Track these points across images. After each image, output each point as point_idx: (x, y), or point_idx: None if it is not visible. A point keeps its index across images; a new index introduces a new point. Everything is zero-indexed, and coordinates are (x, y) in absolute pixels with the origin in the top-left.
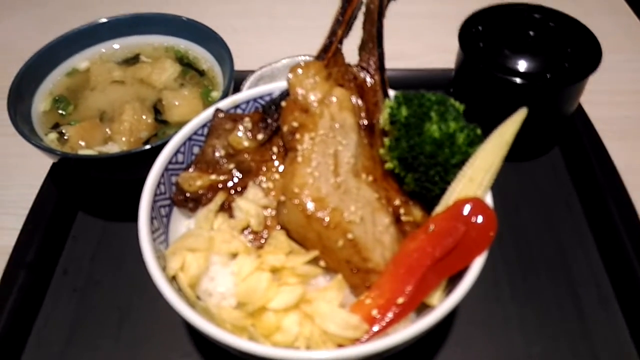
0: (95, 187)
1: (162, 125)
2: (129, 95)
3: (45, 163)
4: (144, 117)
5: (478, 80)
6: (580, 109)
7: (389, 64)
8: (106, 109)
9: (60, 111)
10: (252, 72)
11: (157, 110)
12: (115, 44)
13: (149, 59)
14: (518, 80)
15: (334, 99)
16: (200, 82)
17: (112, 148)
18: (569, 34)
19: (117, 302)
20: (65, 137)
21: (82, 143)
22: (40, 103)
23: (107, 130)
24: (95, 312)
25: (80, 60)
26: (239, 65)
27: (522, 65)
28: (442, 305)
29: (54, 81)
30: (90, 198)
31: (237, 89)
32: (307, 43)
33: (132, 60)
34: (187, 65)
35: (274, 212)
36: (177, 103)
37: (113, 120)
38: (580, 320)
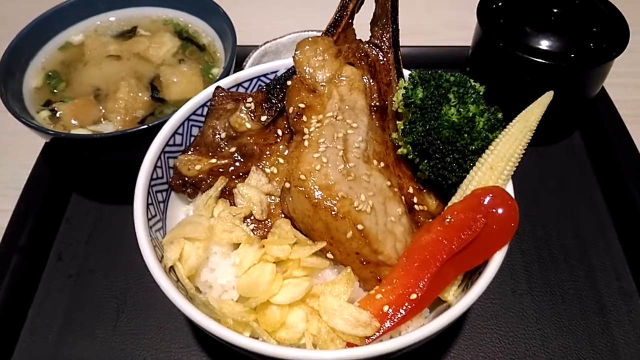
0: (89, 168)
1: (159, 103)
2: (125, 71)
3: (38, 142)
4: (140, 94)
5: (497, 59)
6: (602, 91)
7: (403, 40)
8: (101, 86)
9: (52, 88)
10: (255, 47)
11: (154, 87)
12: (112, 16)
13: (147, 32)
14: (540, 59)
15: (343, 78)
16: (200, 58)
17: (107, 127)
18: (595, 13)
19: (114, 289)
20: (58, 115)
21: (75, 122)
22: (32, 79)
23: (101, 108)
24: (92, 300)
25: (75, 34)
26: (241, 40)
27: (544, 44)
28: (459, 302)
29: (47, 56)
30: (85, 179)
31: (239, 65)
32: (315, 17)
33: (129, 33)
34: (186, 39)
35: (278, 200)
36: (175, 80)
37: (108, 98)
38: (600, 314)
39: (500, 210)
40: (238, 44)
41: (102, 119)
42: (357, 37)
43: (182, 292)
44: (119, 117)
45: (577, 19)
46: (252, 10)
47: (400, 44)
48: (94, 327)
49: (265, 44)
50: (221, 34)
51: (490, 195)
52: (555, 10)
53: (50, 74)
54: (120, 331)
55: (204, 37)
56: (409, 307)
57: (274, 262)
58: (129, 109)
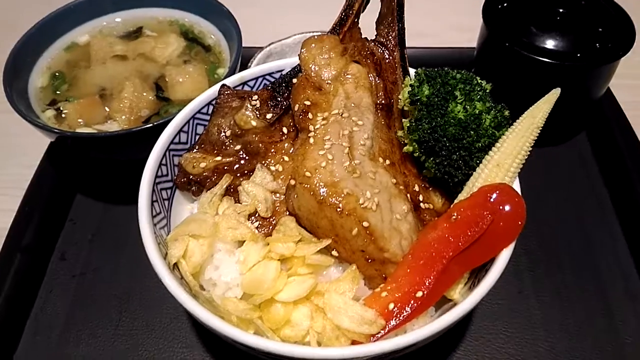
0: (94, 169)
1: (164, 103)
2: (130, 71)
3: (43, 142)
4: (145, 94)
5: (503, 59)
6: (608, 92)
7: (408, 42)
8: (106, 86)
9: (58, 88)
10: (260, 49)
11: (159, 87)
12: (117, 17)
13: (153, 33)
14: (546, 59)
15: (349, 76)
16: (205, 58)
17: (112, 126)
18: (601, 12)
19: (117, 289)
20: (63, 115)
21: (81, 121)
22: (38, 79)
23: (107, 108)
24: (94, 299)
25: (80, 34)
26: (247, 42)
27: (550, 43)
28: (465, 301)
29: (52, 56)
30: (89, 180)
31: (244, 66)
32: (320, 19)
33: (135, 33)
34: (192, 40)
35: (283, 197)
36: (180, 80)
37: (113, 98)
38: (607, 315)
39: (507, 207)
40: (243, 45)
41: (107, 119)
42: (363, 36)
43: (185, 289)
44: (124, 117)
45: (583, 18)
46: (257, 11)
47: (406, 46)
48: (96, 327)
49: (270, 45)
50: (226, 35)
51: (497, 192)
52: (560, 10)
53: (56, 74)
54: (122, 331)
55: (209, 37)
56: (415, 305)
57: (278, 260)
58: (134, 108)
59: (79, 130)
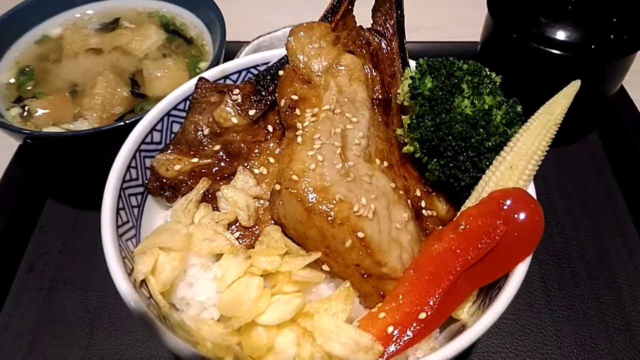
0: (66, 172)
1: (140, 99)
2: (104, 65)
3: (11, 143)
4: (119, 90)
5: (510, 51)
6: (622, 90)
7: (407, 37)
8: (78, 81)
9: (26, 83)
10: (247, 42)
11: (135, 82)
12: (93, 9)
13: (131, 25)
14: (557, 51)
15: (342, 67)
16: (187, 52)
17: (82, 125)
18: (615, 2)
19: (89, 304)
20: (30, 113)
21: (49, 120)
22: (4, 74)
23: (77, 105)
24: (64, 316)
25: (53, 26)
26: (234, 36)
27: (561, 34)
28: (476, 324)
29: (22, 49)
30: (61, 184)
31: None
32: (314, 11)
33: (111, 25)
34: (173, 32)
35: (267, 204)
36: (159, 74)
37: (84, 94)
38: (625, 330)
39: (522, 216)
40: (231, 39)
41: (77, 117)
42: (358, 24)
43: (153, 310)
44: (95, 115)
45: (596, 8)
46: (247, 4)
47: (405, 42)
48: (64, 346)
49: (258, 38)
50: (210, 27)
51: (511, 198)
52: None
53: (25, 69)
54: (93, 351)
55: (191, 29)
56: (417, 328)
57: (261, 276)
58: (107, 105)
59: (46, 129)
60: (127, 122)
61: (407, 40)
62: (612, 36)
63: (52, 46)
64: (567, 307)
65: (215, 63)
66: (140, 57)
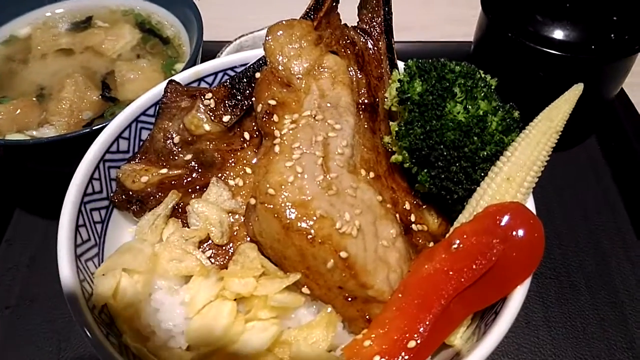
0: (35, 181)
1: (111, 104)
2: (74, 67)
3: None
4: (88, 93)
5: (505, 51)
6: (622, 92)
7: (396, 35)
8: (45, 84)
9: None
10: (229, 42)
11: (106, 85)
12: (64, 7)
13: (105, 24)
14: (555, 51)
15: (324, 69)
16: (163, 52)
17: (48, 132)
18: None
19: (56, 323)
20: None
21: (13, 125)
22: None
23: (44, 110)
24: (30, 335)
25: (21, 26)
26: (216, 35)
27: (559, 34)
28: (472, 354)
29: None
30: (29, 195)
31: None
32: (298, 9)
33: (83, 24)
34: (148, 31)
35: (242, 219)
36: (131, 77)
37: (51, 98)
38: (628, 349)
39: (520, 233)
40: (213, 39)
41: (44, 123)
42: (343, 23)
43: (113, 339)
44: (62, 120)
45: (596, 6)
46: (231, 3)
47: (393, 42)
48: None
49: (240, 37)
50: (187, 26)
51: (509, 213)
52: None
53: None
54: None
55: (168, 28)
56: (406, 357)
57: (234, 300)
58: (75, 110)
59: (9, 136)
60: (94, 128)
61: (397, 39)
62: (612, 35)
63: (19, 47)
64: (567, 323)
65: (191, 64)
66: (113, 58)
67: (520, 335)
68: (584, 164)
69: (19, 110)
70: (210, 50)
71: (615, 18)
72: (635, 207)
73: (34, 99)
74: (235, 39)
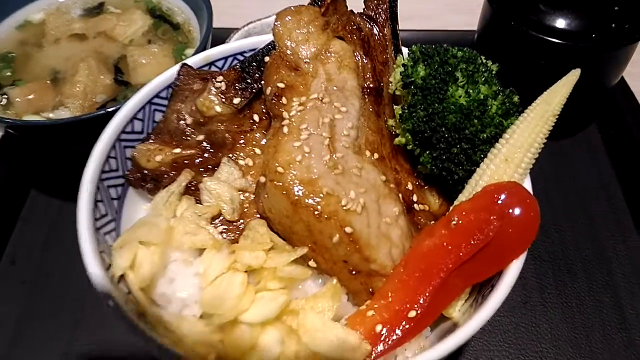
0: (49, 161)
1: (123, 87)
2: (87, 51)
3: None
4: (101, 77)
5: (508, 40)
6: (622, 81)
7: (400, 24)
8: (60, 68)
9: (7, 70)
10: (237, 29)
11: (118, 69)
12: None
13: (117, 10)
14: (557, 40)
15: (331, 54)
16: (173, 38)
17: (63, 114)
18: None
19: (72, 297)
20: (10, 101)
21: (29, 108)
22: None
23: (58, 93)
24: (46, 310)
25: (35, 11)
26: (225, 22)
27: (561, 23)
28: (468, 323)
29: (2, 35)
30: (44, 174)
31: None
32: None
33: (96, 10)
34: (159, 17)
35: (252, 197)
36: (143, 61)
37: (66, 81)
38: (622, 329)
39: (517, 211)
40: (222, 26)
41: (58, 105)
42: (349, 9)
43: (132, 306)
44: (77, 103)
45: None
46: None
47: (397, 29)
48: (47, 342)
49: (248, 24)
50: (197, 11)
51: (506, 192)
52: None
53: (6, 55)
54: (77, 345)
55: (178, 15)
56: (407, 326)
57: (245, 272)
58: (89, 93)
59: (26, 118)
60: (109, 110)
61: (401, 28)
62: (613, 25)
63: (33, 32)
64: (563, 304)
65: (201, 49)
66: (125, 43)
67: (518, 314)
68: (584, 151)
69: (33, 94)
70: (219, 37)
71: (616, 8)
72: (633, 193)
73: (48, 82)
74: (244, 26)
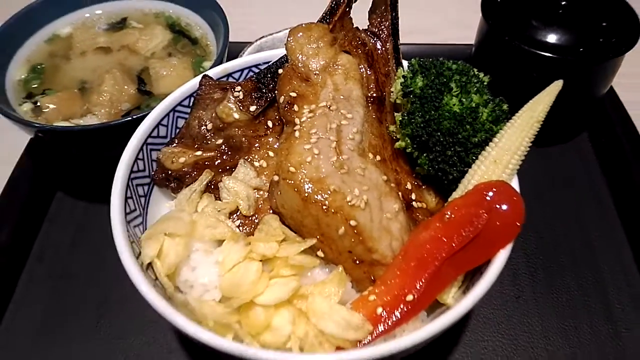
0: (76, 166)
1: (146, 96)
2: (112, 63)
3: (22, 139)
4: (126, 87)
5: (502, 53)
6: (611, 91)
7: (403, 39)
8: (87, 79)
9: (36, 80)
10: (250, 43)
11: (141, 80)
12: (101, 9)
13: (139, 25)
14: (548, 53)
15: (338, 66)
16: (191, 51)
17: (91, 121)
18: (604, 7)
19: (96, 293)
20: (40, 108)
21: (59, 115)
22: (16, 71)
23: (86, 101)
24: (72, 304)
25: (63, 26)
26: (238, 37)
27: (552, 37)
28: (458, 305)
29: (33, 48)
30: (70, 177)
31: None
32: (316, 13)
33: (119, 25)
34: (178, 32)
35: (266, 194)
36: (164, 73)
37: (93, 91)
38: (609, 322)
39: (504, 206)
40: (235, 40)
41: (86, 113)
42: (355, 26)
43: (159, 291)
44: (103, 110)
45: (586, 12)
46: (249, 5)
47: (400, 43)
48: (72, 333)
49: (260, 38)
50: (214, 27)
51: (494, 190)
52: (562, 3)
53: (37, 67)
54: (100, 334)
55: (196, 30)
56: (405, 309)
57: (260, 260)
58: (114, 102)
59: (56, 124)
60: (134, 117)
61: (403, 42)
62: (600, 39)
63: (62, 45)
64: (553, 299)
65: (218, 62)
66: (147, 56)
67: (510, 307)
68: (575, 158)
69: (63, 102)
70: (233, 50)
71: (604, 24)
72: (620, 197)
73: (76, 91)
74: (256, 40)
